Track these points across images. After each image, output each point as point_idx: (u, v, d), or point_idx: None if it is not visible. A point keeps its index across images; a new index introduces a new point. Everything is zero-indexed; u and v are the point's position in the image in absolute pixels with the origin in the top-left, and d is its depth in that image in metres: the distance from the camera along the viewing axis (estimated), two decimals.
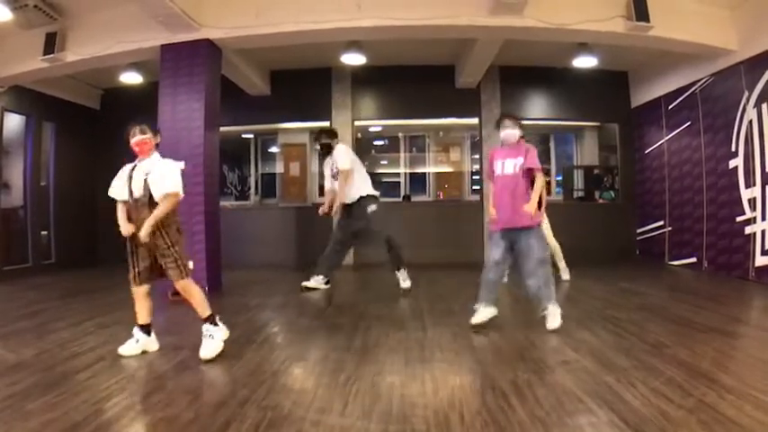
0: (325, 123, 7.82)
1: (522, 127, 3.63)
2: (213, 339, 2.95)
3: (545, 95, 7.86)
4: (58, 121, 7.40)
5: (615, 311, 3.99)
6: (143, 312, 3.07)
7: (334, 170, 5.05)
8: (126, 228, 3.02)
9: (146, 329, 3.07)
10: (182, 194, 3.07)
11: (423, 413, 2.12)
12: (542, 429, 1.94)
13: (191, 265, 3.30)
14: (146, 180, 3.00)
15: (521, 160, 3.48)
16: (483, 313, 3.52)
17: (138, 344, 3.03)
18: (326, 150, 5.16)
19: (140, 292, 3.06)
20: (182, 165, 3.43)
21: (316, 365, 2.84)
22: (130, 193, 3.04)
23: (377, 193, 5.13)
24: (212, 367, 2.81)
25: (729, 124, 5.67)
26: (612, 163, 8.27)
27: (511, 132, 3.56)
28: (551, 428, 1.95)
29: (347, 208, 5.03)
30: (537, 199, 3.43)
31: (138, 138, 3.06)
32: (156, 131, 3.23)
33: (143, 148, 3.07)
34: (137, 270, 3.05)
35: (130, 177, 3.06)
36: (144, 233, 2.91)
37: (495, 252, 3.54)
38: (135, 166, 3.10)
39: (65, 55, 5.53)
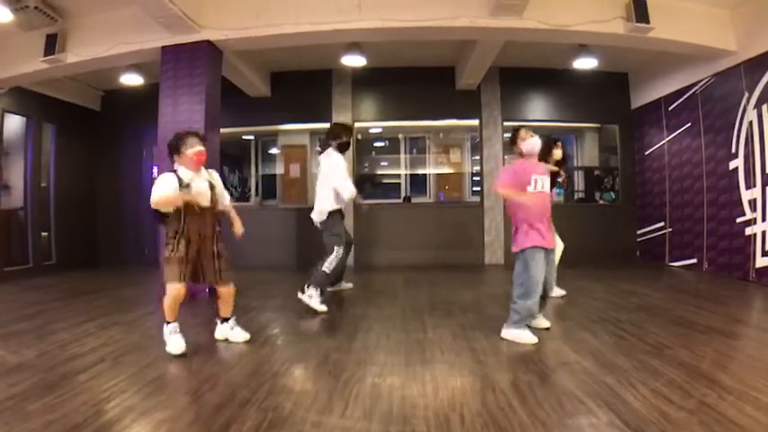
0: (326, 125, 7.84)
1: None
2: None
3: (545, 97, 7.85)
4: (58, 122, 7.41)
5: (615, 312, 3.99)
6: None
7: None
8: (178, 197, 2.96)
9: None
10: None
11: (423, 414, 2.12)
12: (543, 430, 1.94)
13: None
14: (213, 191, 3.14)
15: (547, 179, 3.37)
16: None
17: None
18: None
19: (183, 292, 3.03)
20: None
21: (316, 367, 2.84)
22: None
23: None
24: (212, 368, 2.81)
25: (730, 125, 5.67)
26: (613, 164, 8.27)
27: (537, 141, 3.31)
28: (552, 429, 1.95)
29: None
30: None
31: (198, 149, 3.04)
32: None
33: (201, 159, 3.07)
34: (187, 269, 3.02)
35: (188, 185, 3.01)
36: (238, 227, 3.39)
37: (542, 271, 3.23)
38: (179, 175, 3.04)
39: (65, 56, 5.54)
